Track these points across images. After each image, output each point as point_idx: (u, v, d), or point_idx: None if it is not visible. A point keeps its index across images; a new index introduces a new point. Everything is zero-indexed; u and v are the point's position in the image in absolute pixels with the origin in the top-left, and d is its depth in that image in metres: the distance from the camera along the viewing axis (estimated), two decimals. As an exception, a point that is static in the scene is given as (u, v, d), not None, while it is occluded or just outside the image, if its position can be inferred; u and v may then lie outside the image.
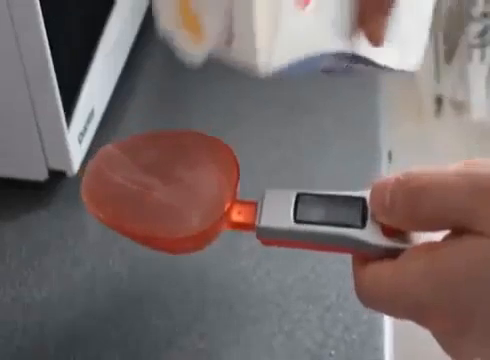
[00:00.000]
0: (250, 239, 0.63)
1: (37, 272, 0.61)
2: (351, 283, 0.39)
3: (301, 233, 0.39)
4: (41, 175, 0.64)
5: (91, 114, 0.67)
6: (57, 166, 0.64)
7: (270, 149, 0.71)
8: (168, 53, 0.44)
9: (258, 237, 0.40)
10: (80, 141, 0.64)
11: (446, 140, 1.44)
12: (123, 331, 0.58)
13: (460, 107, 1.47)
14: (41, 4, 0.54)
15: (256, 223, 0.40)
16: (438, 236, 0.37)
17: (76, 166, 0.64)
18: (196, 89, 0.78)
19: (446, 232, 0.37)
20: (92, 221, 0.68)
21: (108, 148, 0.44)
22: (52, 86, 0.59)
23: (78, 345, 0.57)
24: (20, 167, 0.65)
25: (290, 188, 0.42)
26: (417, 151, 1.39)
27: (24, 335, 0.57)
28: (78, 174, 0.63)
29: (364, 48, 0.42)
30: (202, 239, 0.41)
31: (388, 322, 0.59)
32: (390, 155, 0.77)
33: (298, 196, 0.40)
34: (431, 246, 0.36)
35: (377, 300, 0.38)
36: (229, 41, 0.38)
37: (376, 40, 0.42)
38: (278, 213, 0.40)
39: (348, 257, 0.42)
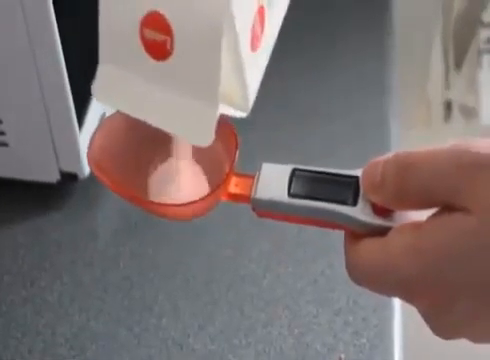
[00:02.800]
0: (260, 244, 0.64)
1: (49, 273, 0.62)
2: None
3: (294, 207, 0.40)
4: (53, 177, 0.65)
5: (103, 117, 0.67)
6: (69, 168, 0.64)
7: (280, 154, 0.70)
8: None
9: (253, 209, 0.41)
10: (92, 144, 0.65)
11: (455, 145, 1.43)
12: (134, 333, 0.58)
13: (469, 113, 1.47)
14: (54, 9, 0.54)
15: (251, 195, 0.41)
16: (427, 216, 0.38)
17: (87, 169, 0.64)
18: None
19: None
20: (103, 224, 0.69)
21: (112, 117, 0.43)
22: (65, 89, 0.59)
23: (89, 347, 0.57)
24: (33, 169, 0.65)
25: None
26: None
27: (35, 336, 0.58)
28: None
29: None
30: (200, 207, 0.42)
31: (398, 326, 0.59)
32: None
33: (294, 171, 0.41)
34: (417, 223, 0.37)
35: (365, 276, 0.38)
36: None
37: None
38: (273, 186, 0.41)
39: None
